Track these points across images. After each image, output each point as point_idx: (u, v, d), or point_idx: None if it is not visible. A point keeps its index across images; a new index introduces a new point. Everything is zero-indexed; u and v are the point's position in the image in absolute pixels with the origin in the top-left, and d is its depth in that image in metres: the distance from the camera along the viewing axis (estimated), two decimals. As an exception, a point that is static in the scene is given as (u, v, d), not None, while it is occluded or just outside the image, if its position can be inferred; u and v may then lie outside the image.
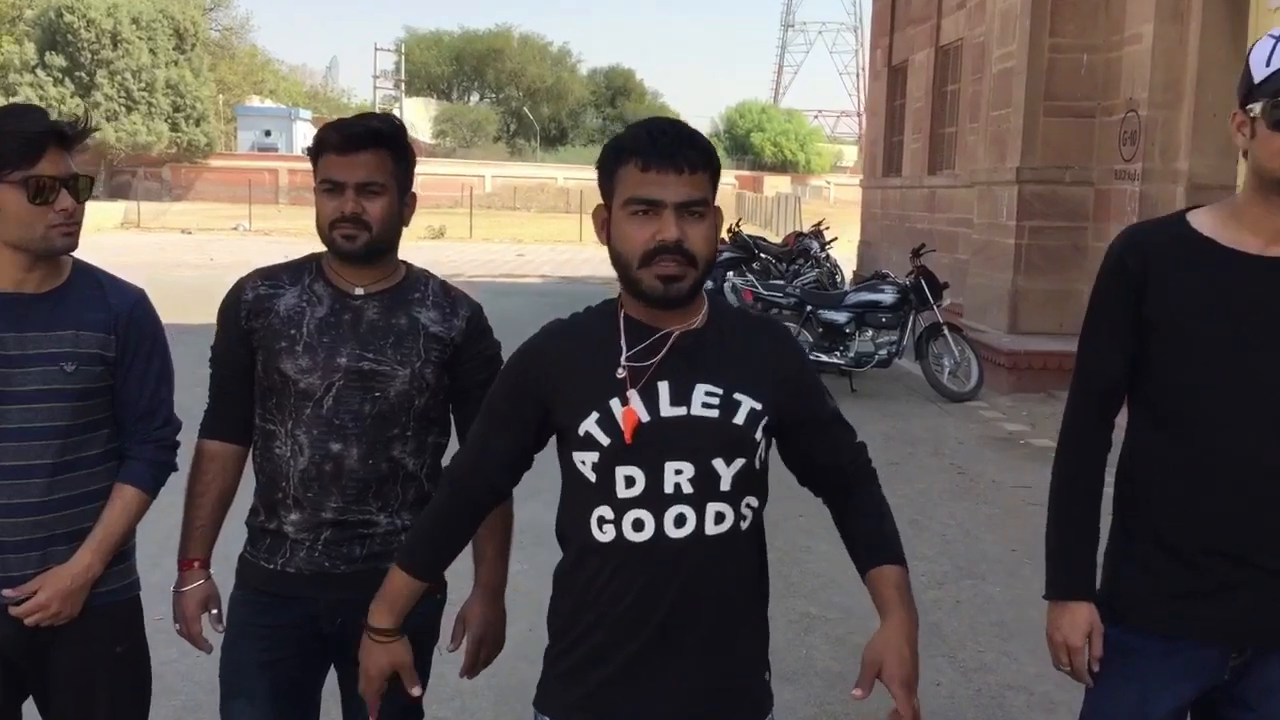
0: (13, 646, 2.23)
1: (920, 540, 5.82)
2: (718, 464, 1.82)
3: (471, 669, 2.37)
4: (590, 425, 1.82)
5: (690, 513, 1.81)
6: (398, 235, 2.32)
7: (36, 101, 49.98)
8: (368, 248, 2.24)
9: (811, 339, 9.87)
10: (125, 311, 2.29)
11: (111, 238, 30.01)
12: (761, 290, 10.89)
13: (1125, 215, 9.65)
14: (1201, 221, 2.07)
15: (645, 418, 1.81)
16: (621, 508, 1.82)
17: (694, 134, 1.82)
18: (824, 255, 15.21)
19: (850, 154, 71.00)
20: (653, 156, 1.77)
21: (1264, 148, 1.94)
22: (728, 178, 51.56)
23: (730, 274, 14.67)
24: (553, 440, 1.94)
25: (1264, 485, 2.00)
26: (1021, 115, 10.63)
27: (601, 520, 1.84)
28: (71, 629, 2.25)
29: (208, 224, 36.02)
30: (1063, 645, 2.15)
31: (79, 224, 2.21)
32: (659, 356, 1.83)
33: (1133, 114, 9.55)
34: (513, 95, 74.60)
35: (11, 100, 44.58)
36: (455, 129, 67.89)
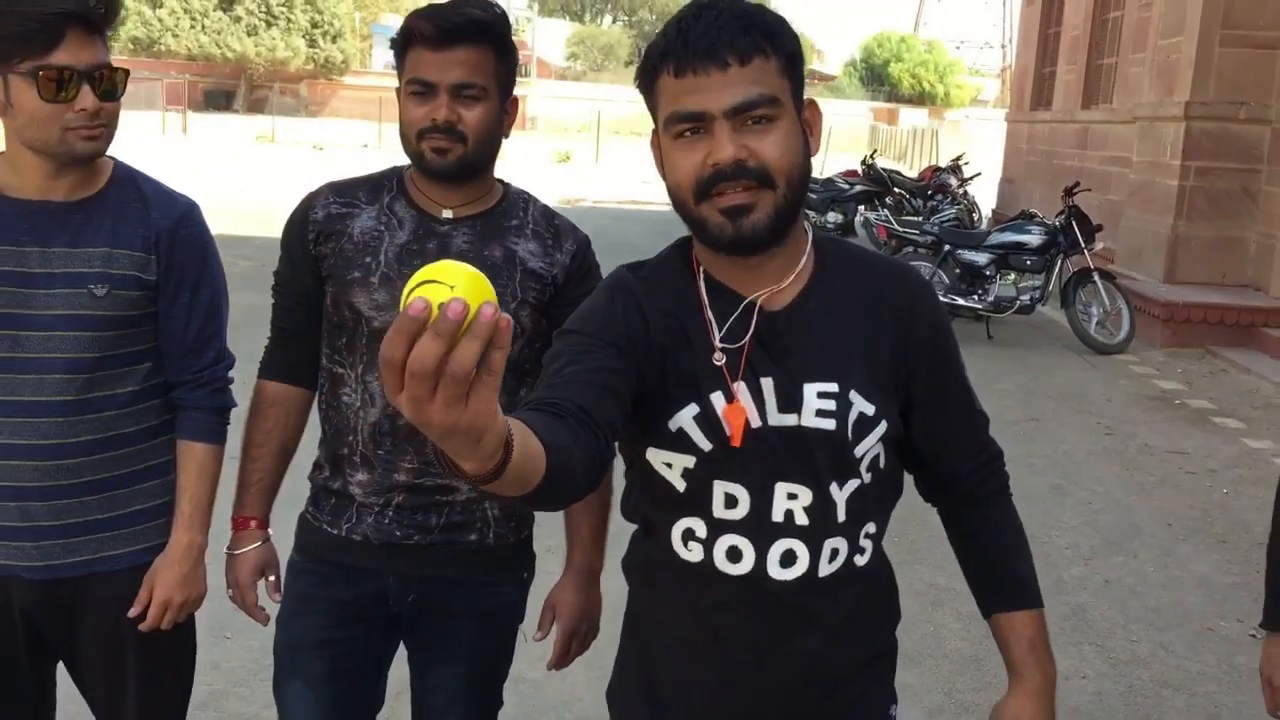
0: (37, 612, 1.97)
1: (1063, 508, 5.33)
2: (833, 489, 1.41)
3: (561, 661, 2.05)
4: (686, 421, 1.39)
5: (803, 550, 1.41)
6: (496, 149, 1.96)
7: (180, 13, 50.13)
8: (461, 164, 1.88)
9: (948, 280, 9.26)
10: (169, 227, 1.94)
11: (244, 151, 30.45)
12: (896, 226, 10.30)
13: (1306, 158, 8.82)
14: None
15: (756, 423, 1.39)
16: (718, 529, 1.42)
17: (745, 10, 1.33)
18: (962, 192, 14.51)
19: (990, 88, 68.18)
20: (686, 55, 1.30)
21: None
22: (862, 108, 49.96)
23: (863, 208, 14.17)
24: None
25: None
26: (1195, 44, 9.74)
27: (689, 535, 1.44)
28: (96, 592, 1.96)
29: (341, 141, 36.32)
30: (1290, 692, 1.73)
31: (107, 125, 1.85)
32: (748, 336, 1.40)
33: (1324, 46, 8.65)
34: (645, 19, 73.42)
35: (156, 10, 45.72)
36: (587, 52, 67.24)
